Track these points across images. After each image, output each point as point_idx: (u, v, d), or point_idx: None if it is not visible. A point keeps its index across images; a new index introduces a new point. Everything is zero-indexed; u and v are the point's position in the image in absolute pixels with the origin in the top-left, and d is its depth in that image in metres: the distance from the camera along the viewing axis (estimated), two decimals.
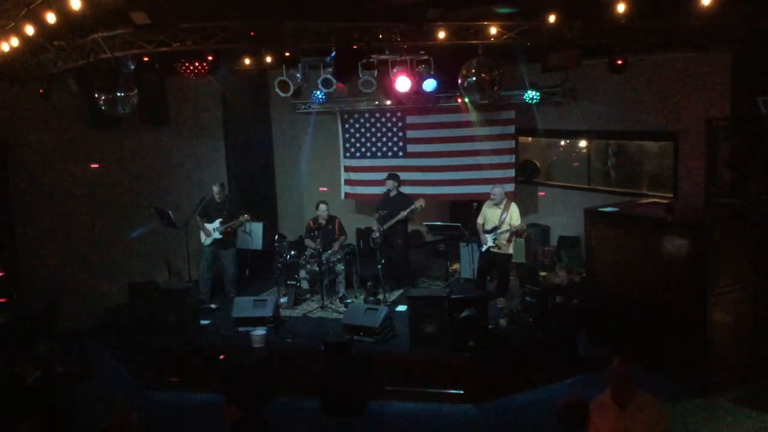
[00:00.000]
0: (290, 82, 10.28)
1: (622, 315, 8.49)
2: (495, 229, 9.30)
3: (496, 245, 9.36)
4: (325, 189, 12.15)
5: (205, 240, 9.99)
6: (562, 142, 12.17)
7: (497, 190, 9.50)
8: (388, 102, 11.84)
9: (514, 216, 9.34)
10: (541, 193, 12.45)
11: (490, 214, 9.48)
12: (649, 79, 9.99)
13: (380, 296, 9.73)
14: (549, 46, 7.61)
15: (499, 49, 8.03)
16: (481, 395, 7.79)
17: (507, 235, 9.31)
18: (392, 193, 10.35)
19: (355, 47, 7.19)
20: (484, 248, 9.48)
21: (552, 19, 6.89)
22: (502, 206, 9.39)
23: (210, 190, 10.08)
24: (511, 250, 9.55)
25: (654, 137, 10.41)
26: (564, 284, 9.08)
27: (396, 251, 10.38)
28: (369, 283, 9.85)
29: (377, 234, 10.17)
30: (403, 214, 10.06)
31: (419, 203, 10.10)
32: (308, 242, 10.12)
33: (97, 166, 10.34)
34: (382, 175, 10.77)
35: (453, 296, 7.98)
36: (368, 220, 11.91)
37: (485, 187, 10.23)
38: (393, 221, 10.13)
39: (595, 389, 4.87)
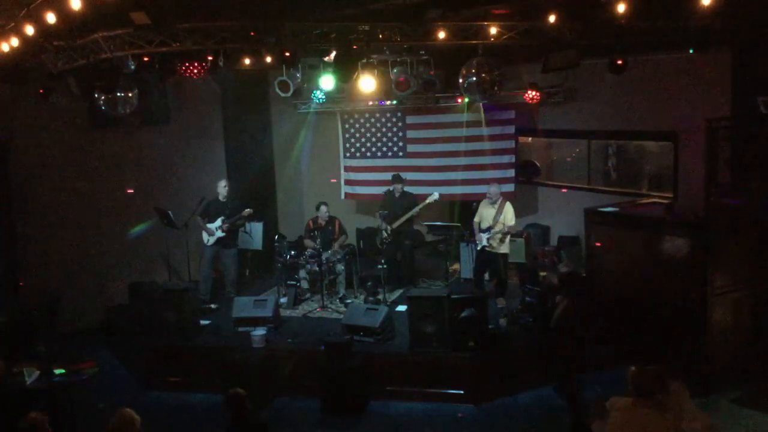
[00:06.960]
0: (290, 82, 10.24)
1: (621, 315, 8.48)
2: (490, 228, 9.34)
3: (490, 244, 9.39)
4: (334, 180, 12.24)
5: (208, 240, 9.96)
6: (562, 142, 12.15)
7: (494, 189, 9.56)
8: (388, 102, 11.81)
9: (508, 216, 9.38)
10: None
11: (486, 213, 9.53)
12: (649, 79, 9.96)
13: (380, 296, 9.73)
14: (549, 46, 7.61)
15: (499, 49, 8.03)
16: (481, 395, 7.80)
17: (501, 235, 9.33)
18: (397, 194, 10.37)
19: (355, 47, 7.19)
20: (479, 247, 9.52)
21: (552, 19, 6.90)
22: (497, 205, 9.42)
23: (210, 191, 10.06)
24: (505, 249, 9.57)
25: (654, 137, 10.38)
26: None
27: (402, 251, 10.38)
28: (369, 283, 9.84)
29: (386, 234, 10.15)
30: (416, 209, 10.12)
31: (434, 196, 10.15)
32: (308, 242, 10.11)
33: (131, 191, 10.47)
34: (382, 175, 10.77)
35: (453, 296, 7.98)
36: (368, 220, 11.90)
37: (485, 188, 10.22)
38: (403, 220, 10.15)
39: (595, 389, 4.86)
